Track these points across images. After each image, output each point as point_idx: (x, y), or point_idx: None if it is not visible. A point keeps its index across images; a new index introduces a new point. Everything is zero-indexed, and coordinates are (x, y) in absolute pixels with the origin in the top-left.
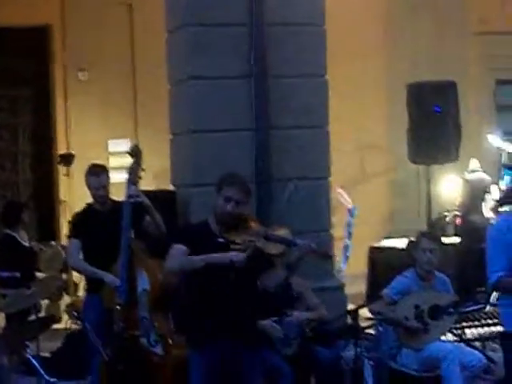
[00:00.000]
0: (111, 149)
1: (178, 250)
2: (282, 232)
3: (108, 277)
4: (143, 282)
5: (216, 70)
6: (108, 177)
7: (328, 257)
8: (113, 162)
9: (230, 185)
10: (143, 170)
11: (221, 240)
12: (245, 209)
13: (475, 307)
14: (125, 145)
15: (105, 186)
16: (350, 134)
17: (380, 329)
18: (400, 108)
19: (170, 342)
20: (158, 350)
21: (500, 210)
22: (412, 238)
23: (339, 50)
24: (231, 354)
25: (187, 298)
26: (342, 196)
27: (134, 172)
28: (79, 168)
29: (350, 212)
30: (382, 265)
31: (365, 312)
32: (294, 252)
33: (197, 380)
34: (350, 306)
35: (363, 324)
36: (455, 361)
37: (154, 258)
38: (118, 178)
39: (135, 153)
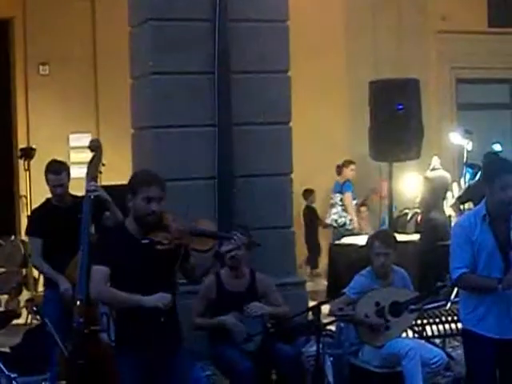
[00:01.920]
0: (72, 143)
1: (97, 272)
2: (206, 224)
3: (63, 284)
4: None
5: (178, 65)
6: (68, 174)
7: (255, 245)
8: (74, 156)
9: (150, 184)
10: (103, 164)
11: (145, 241)
12: (163, 205)
13: (436, 304)
14: (86, 139)
15: (63, 184)
16: (311, 130)
17: (341, 325)
18: (361, 105)
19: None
20: None
21: (460, 207)
22: (371, 235)
23: (301, 46)
24: (159, 358)
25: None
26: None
27: (93, 167)
28: (40, 162)
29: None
30: (343, 262)
31: (326, 308)
32: (227, 245)
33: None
34: (311, 303)
35: (325, 320)
36: (416, 357)
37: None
38: (78, 172)
39: (95, 147)
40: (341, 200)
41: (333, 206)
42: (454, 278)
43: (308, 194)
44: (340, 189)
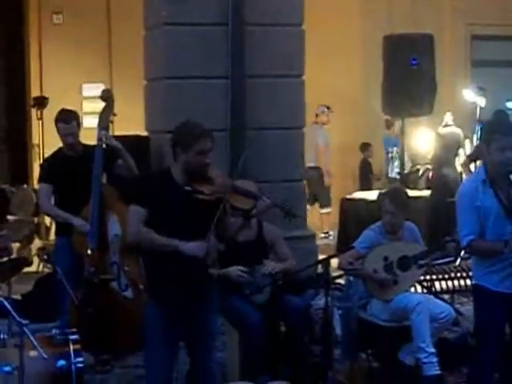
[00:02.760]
0: (85, 93)
1: (136, 213)
2: (248, 185)
3: (77, 221)
4: (114, 227)
5: (192, 16)
6: (78, 123)
7: (292, 215)
8: (86, 106)
9: (203, 137)
10: (114, 114)
11: (188, 188)
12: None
13: (445, 260)
14: (99, 89)
15: (74, 132)
16: (324, 85)
17: (350, 279)
18: (375, 60)
19: (141, 286)
20: (129, 294)
21: (470, 166)
22: (382, 191)
23: (316, 0)
24: (185, 304)
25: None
26: None
27: (104, 116)
28: (52, 112)
29: None
30: (353, 216)
31: (336, 262)
32: (262, 207)
33: (151, 328)
34: (321, 256)
35: (334, 274)
36: (424, 312)
37: (125, 203)
38: (91, 122)
39: (106, 97)
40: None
41: (393, 159)
42: (463, 245)
43: (365, 147)
44: (394, 142)
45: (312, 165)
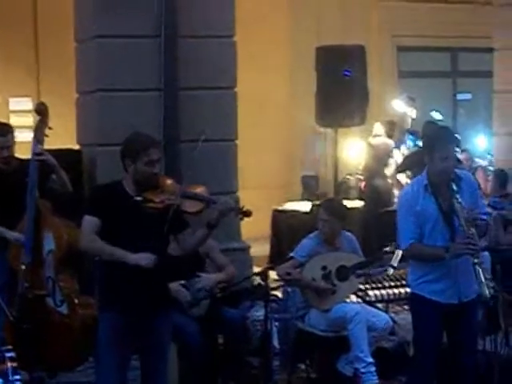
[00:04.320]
0: (12, 107)
1: (89, 223)
2: (199, 190)
3: (12, 235)
4: (49, 243)
5: (124, 28)
6: (13, 137)
7: (248, 215)
8: (14, 120)
9: (151, 147)
10: (50, 128)
11: (138, 198)
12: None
13: (380, 269)
14: (26, 103)
15: (10, 146)
16: (254, 95)
17: (288, 290)
18: (305, 71)
19: (76, 301)
20: (64, 309)
21: (397, 178)
22: (316, 202)
23: (246, 12)
24: (142, 317)
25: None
26: None
27: (39, 130)
28: None
29: None
30: (285, 227)
31: (272, 274)
32: (214, 210)
33: (105, 341)
34: (255, 268)
35: (271, 285)
36: (362, 321)
37: (60, 218)
38: (19, 137)
39: (41, 111)
40: None
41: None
42: (402, 248)
43: None
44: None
45: (310, 173)
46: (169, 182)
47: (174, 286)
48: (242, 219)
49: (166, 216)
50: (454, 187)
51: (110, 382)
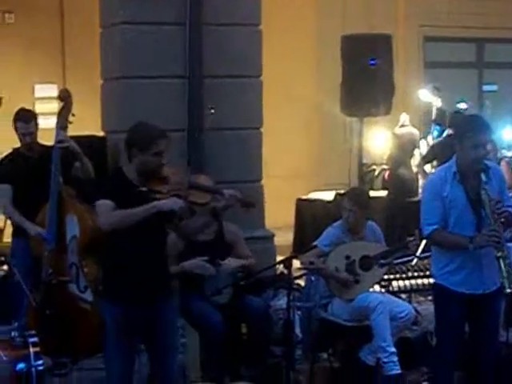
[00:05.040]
0: (37, 94)
1: (107, 206)
2: (203, 179)
3: (33, 229)
4: (73, 228)
5: (149, 15)
6: (36, 123)
7: (251, 206)
8: (39, 107)
9: (160, 138)
10: (73, 115)
11: (144, 189)
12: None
13: (404, 259)
14: (51, 90)
15: (32, 132)
16: (280, 85)
17: (311, 279)
18: (331, 60)
19: (100, 288)
20: (88, 295)
21: (424, 168)
22: (339, 191)
23: (272, 0)
24: (144, 306)
25: (105, 247)
26: None
27: (63, 117)
28: (4, 112)
29: None
30: (309, 217)
31: (296, 262)
32: (220, 201)
33: (110, 332)
34: (279, 257)
35: (294, 274)
36: (385, 311)
37: (84, 204)
38: (44, 123)
39: (65, 97)
40: None
41: None
42: (425, 234)
43: None
44: None
45: None
46: (173, 171)
47: (191, 262)
48: (247, 210)
49: None
50: (484, 177)
51: (117, 373)
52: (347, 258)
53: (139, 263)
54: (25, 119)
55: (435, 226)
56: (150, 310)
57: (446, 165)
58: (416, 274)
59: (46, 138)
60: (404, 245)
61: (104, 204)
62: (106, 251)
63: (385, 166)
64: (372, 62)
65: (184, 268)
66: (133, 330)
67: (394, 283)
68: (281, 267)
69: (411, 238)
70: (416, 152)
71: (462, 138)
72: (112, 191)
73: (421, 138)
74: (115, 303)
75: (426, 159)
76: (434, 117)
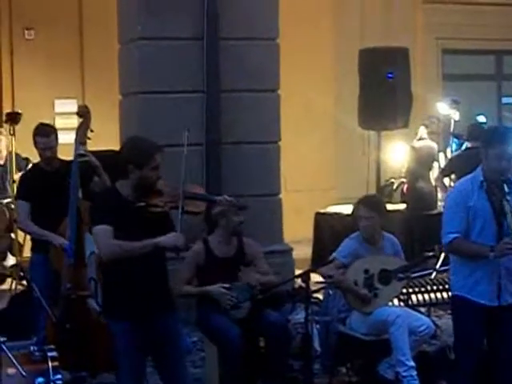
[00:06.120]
0: (57, 109)
1: (105, 232)
2: (195, 189)
3: (57, 239)
4: (92, 244)
5: (167, 30)
6: (56, 137)
7: (244, 208)
8: (59, 122)
9: (156, 154)
10: (91, 130)
11: (141, 204)
12: None
13: (423, 273)
14: (71, 105)
15: (52, 147)
16: (298, 98)
17: (330, 292)
18: (349, 73)
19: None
20: None
21: (444, 181)
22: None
23: (290, 14)
24: (147, 320)
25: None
26: None
27: (82, 132)
28: (25, 127)
29: None
30: (328, 230)
31: (313, 276)
32: (216, 208)
33: (119, 348)
34: (297, 271)
35: (312, 288)
36: (403, 325)
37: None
38: (63, 138)
39: (83, 113)
40: None
41: None
42: (445, 242)
43: None
44: None
45: None
46: (164, 184)
47: (216, 289)
48: (239, 214)
49: (169, 217)
50: (506, 188)
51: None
52: (366, 271)
53: (139, 278)
54: (44, 133)
55: (456, 235)
56: (153, 324)
57: (471, 175)
58: (435, 287)
59: (66, 153)
60: (423, 260)
61: (102, 230)
62: (105, 268)
63: (403, 180)
64: (389, 75)
65: (203, 291)
66: (139, 345)
67: (413, 297)
68: (299, 281)
69: (430, 253)
70: (435, 165)
71: (487, 146)
72: (108, 211)
73: (439, 151)
74: (118, 319)
75: (444, 172)
76: (452, 130)
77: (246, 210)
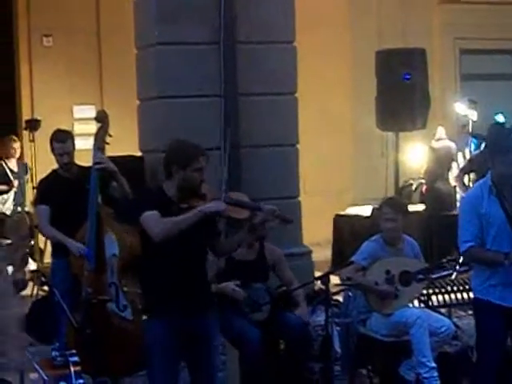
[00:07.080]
0: (76, 115)
1: (154, 215)
2: (240, 196)
3: (74, 245)
4: (112, 247)
5: (184, 35)
6: (73, 143)
7: (289, 222)
8: (78, 128)
9: (200, 156)
10: (110, 135)
11: (184, 205)
12: None
13: (443, 274)
14: (90, 111)
15: (69, 152)
16: (316, 101)
17: (349, 294)
18: (366, 75)
19: (140, 306)
20: (128, 314)
21: (464, 179)
22: (376, 206)
23: (306, 17)
24: (187, 319)
25: (145, 263)
26: None
27: (100, 138)
28: (44, 134)
29: None
30: (347, 232)
31: (333, 278)
32: (259, 217)
33: (153, 346)
34: (317, 273)
35: (332, 290)
36: (424, 326)
37: (122, 224)
38: (82, 144)
39: (102, 118)
40: None
41: None
42: (461, 251)
43: None
44: None
45: None
46: (208, 189)
47: (228, 285)
48: (284, 226)
49: (211, 222)
50: None
51: None
52: (387, 272)
53: (181, 276)
54: (61, 139)
55: (471, 243)
56: (193, 323)
57: (481, 181)
58: (455, 288)
59: (84, 159)
60: (443, 264)
61: (151, 214)
62: (146, 266)
63: (422, 180)
64: (406, 76)
65: (216, 289)
66: (176, 344)
67: (434, 298)
68: (319, 283)
69: (450, 258)
70: (453, 165)
71: (494, 152)
72: (154, 208)
73: (458, 151)
74: (159, 317)
75: (464, 170)
76: (470, 130)
77: (291, 223)
